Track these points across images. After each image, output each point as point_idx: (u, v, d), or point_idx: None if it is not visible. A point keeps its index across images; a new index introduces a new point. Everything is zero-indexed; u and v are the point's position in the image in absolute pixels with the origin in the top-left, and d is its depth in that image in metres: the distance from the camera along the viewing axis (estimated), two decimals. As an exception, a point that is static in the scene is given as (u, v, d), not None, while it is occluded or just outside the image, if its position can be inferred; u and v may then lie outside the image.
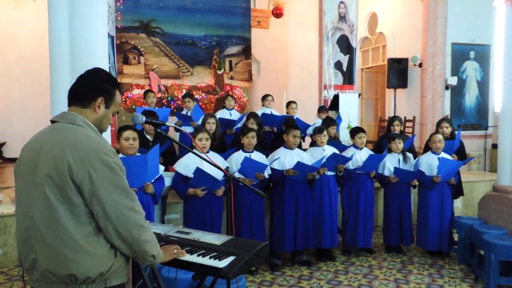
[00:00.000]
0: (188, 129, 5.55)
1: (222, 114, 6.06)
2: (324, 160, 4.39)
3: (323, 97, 8.40)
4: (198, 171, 3.68)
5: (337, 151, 4.61)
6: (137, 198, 1.64)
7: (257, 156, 4.22)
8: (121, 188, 1.57)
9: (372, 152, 4.86)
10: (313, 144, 4.72)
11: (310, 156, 4.46)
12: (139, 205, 1.64)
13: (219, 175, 3.80)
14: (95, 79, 1.69)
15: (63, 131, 1.60)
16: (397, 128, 5.33)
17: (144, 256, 1.65)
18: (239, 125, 5.72)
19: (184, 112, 6.08)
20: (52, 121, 1.69)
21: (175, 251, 1.87)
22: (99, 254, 1.55)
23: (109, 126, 1.81)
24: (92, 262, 1.53)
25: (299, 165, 4.12)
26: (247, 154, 4.16)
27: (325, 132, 4.60)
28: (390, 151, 4.83)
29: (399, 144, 4.76)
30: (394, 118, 5.50)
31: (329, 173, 4.51)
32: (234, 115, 6.16)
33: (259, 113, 5.81)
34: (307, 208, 4.36)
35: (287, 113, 6.32)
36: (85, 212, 1.54)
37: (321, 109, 6.62)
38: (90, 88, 1.67)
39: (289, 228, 4.28)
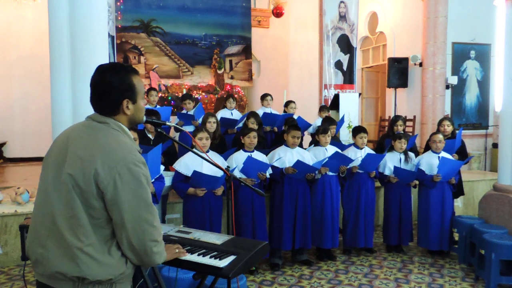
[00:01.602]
0: (188, 129, 5.54)
1: (223, 114, 6.06)
2: (326, 160, 4.39)
3: (324, 96, 8.41)
4: (196, 174, 3.70)
5: (339, 151, 4.60)
6: (157, 213, 1.63)
7: (258, 156, 4.22)
8: (143, 201, 1.55)
9: (372, 152, 4.86)
10: (316, 143, 4.71)
11: (312, 155, 4.46)
12: (158, 220, 1.63)
13: (218, 174, 3.80)
14: (112, 86, 1.60)
15: (96, 131, 1.59)
16: (400, 128, 5.32)
17: (150, 264, 1.67)
18: (240, 124, 5.72)
19: (184, 111, 6.07)
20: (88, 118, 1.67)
21: (177, 250, 1.88)
22: (111, 260, 1.55)
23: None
24: (103, 268, 1.52)
25: (299, 163, 4.12)
26: (248, 154, 4.16)
27: (329, 133, 4.60)
28: (391, 149, 4.83)
29: (403, 144, 4.76)
30: (398, 118, 5.48)
31: (331, 173, 4.51)
32: (235, 115, 6.16)
33: (260, 112, 5.81)
34: (306, 207, 4.36)
35: (285, 112, 6.31)
36: (103, 217, 1.53)
37: (322, 109, 6.62)
38: (111, 98, 1.61)
39: (288, 226, 4.28)
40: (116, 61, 7.08)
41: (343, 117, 6.40)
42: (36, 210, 1.62)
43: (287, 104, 6.40)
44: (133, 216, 1.52)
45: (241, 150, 4.24)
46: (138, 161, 1.56)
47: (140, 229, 1.54)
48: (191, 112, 5.90)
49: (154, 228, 1.58)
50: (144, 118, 1.95)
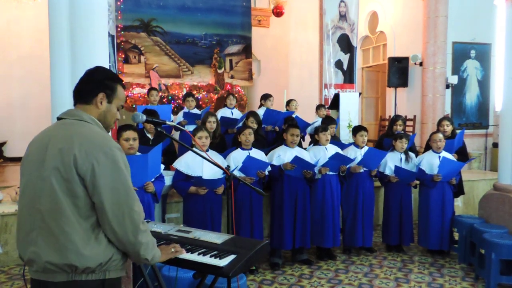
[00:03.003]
0: (192, 128, 5.54)
1: (223, 113, 6.05)
2: (326, 160, 4.38)
3: (324, 96, 8.40)
4: (198, 180, 3.71)
5: (340, 150, 4.59)
6: (137, 198, 1.65)
7: (256, 154, 4.22)
8: (122, 185, 1.58)
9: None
10: (316, 143, 4.70)
11: (312, 155, 4.45)
12: (140, 205, 1.64)
13: (218, 174, 3.81)
14: (95, 77, 1.73)
15: (70, 126, 1.64)
16: (399, 128, 5.31)
17: (137, 257, 1.66)
18: (240, 124, 5.71)
19: (186, 110, 6.06)
20: (59, 118, 1.72)
21: (173, 250, 1.88)
22: (99, 246, 1.58)
23: (115, 122, 1.84)
24: (92, 254, 1.55)
25: (297, 159, 4.12)
26: (246, 152, 4.16)
27: (329, 131, 4.59)
28: (392, 149, 4.83)
29: (404, 144, 4.75)
30: (398, 117, 5.48)
31: (331, 172, 4.50)
32: (236, 114, 6.15)
33: (262, 111, 5.80)
34: (306, 206, 4.36)
35: (288, 110, 6.32)
36: (87, 205, 1.56)
37: (319, 107, 6.61)
38: (91, 85, 1.71)
39: (288, 226, 4.28)
40: (116, 60, 7.08)
41: (338, 117, 6.41)
42: (22, 213, 1.65)
43: (289, 102, 6.41)
44: (112, 199, 1.55)
45: (238, 149, 4.24)
46: (114, 146, 1.61)
47: (120, 212, 1.56)
48: (197, 112, 5.89)
49: (135, 213, 1.60)
50: (144, 118, 1.96)
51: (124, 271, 1.71)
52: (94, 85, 1.71)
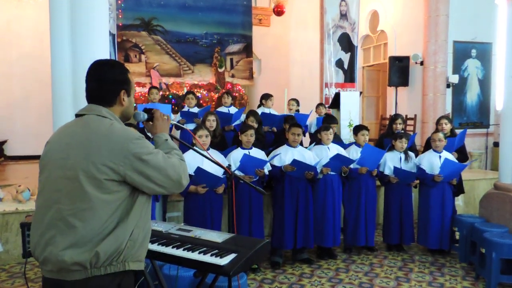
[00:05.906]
0: (190, 127, 5.54)
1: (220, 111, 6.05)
2: (327, 160, 4.37)
3: (324, 95, 8.40)
4: (199, 170, 3.70)
5: (342, 150, 4.58)
6: (170, 163, 1.65)
7: (256, 153, 4.22)
8: (162, 168, 1.61)
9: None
10: (318, 142, 4.68)
11: (313, 155, 4.44)
12: (165, 157, 1.65)
13: (219, 172, 3.81)
14: (111, 76, 1.70)
15: (90, 123, 1.62)
16: (399, 127, 5.32)
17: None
18: (238, 121, 5.72)
19: (185, 109, 6.07)
20: (77, 115, 1.70)
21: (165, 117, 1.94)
22: (120, 234, 1.56)
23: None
24: (112, 242, 1.53)
25: (296, 162, 4.12)
26: (246, 151, 4.16)
27: (331, 130, 4.58)
28: (392, 148, 4.82)
29: (404, 144, 4.75)
30: (397, 116, 5.48)
31: (333, 172, 4.49)
32: (233, 112, 6.14)
33: (260, 111, 5.79)
34: (308, 206, 4.35)
35: (289, 110, 6.32)
36: (120, 199, 1.56)
37: (318, 106, 6.61)
38: (110, 88, 1.69)
39: (289, 225, 4.27)
40: (117, 59, 7.08)
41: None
42: (40, 211, 1.61)
43: (289, 102, 6.41)
44: (165, 181, 1.62)
45: (238, 148, 4.25)
46: (139, 136, 1.62)
47: (176, 176, 1.64)
48: (195, 110, 5.89)
49: (174, 167, 1.64)
50: (145, 116, 1.97)
51: (144, 264, 1.68)
52: (114, 86, 1.70)
